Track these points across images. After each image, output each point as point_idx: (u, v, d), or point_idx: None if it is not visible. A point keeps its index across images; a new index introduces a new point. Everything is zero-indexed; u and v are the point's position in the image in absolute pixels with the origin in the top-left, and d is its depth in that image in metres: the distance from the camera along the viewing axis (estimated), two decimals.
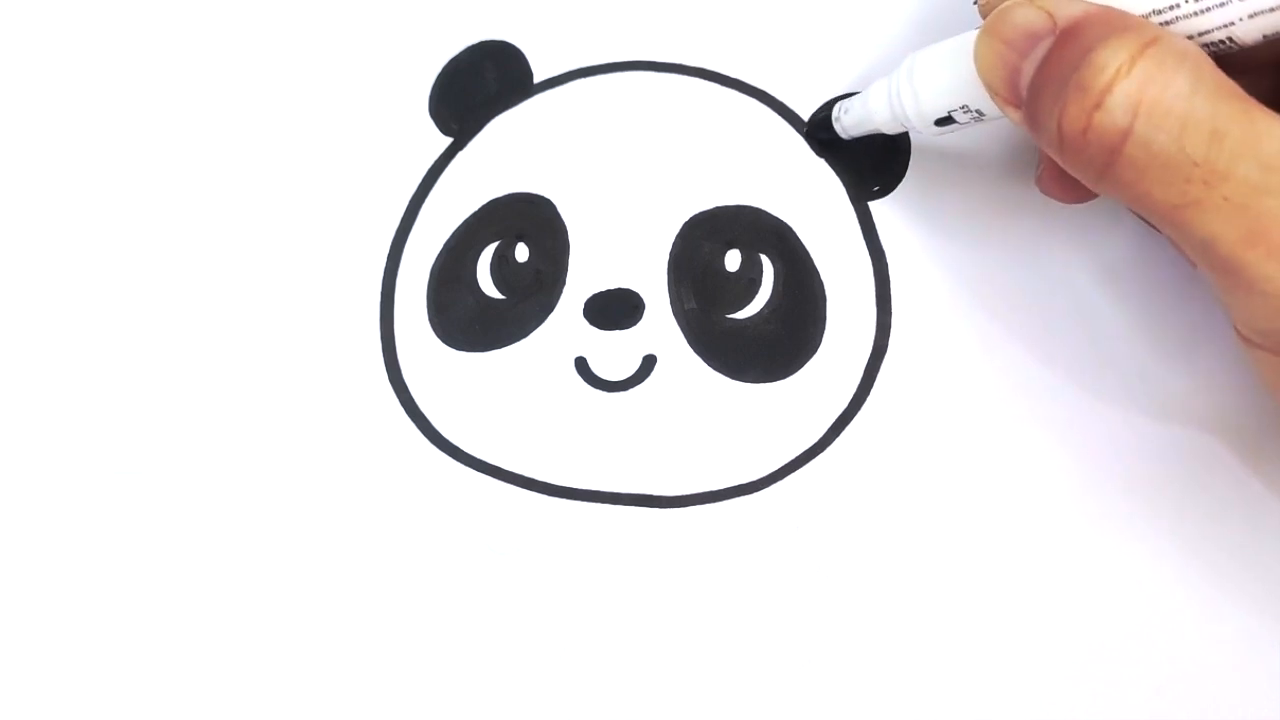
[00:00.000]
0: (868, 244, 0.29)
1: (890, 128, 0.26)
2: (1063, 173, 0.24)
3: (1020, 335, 0.28)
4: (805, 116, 0.30)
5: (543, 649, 0.28)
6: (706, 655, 0.28)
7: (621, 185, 0.30)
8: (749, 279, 0.29)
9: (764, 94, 0.30)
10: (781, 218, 0.29)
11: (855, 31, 0.30)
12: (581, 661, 0.28)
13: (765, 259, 0.29)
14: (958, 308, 0.29)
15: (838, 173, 0.29)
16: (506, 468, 0.29)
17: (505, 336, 0.29)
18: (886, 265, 0.29)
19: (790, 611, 0.28)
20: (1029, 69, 0.21)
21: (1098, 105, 0.20)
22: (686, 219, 0.29)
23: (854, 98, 0.28)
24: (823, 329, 0.29)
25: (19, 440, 0.30)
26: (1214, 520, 0.28)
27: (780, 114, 0.30)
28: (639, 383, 0.29)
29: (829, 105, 0.29)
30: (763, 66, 0.30)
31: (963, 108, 0.24)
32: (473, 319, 0.30)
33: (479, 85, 0.31)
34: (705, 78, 0.30)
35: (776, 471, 0.28)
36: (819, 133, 0.29)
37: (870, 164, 0.29)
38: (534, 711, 0.28)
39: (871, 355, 0.29)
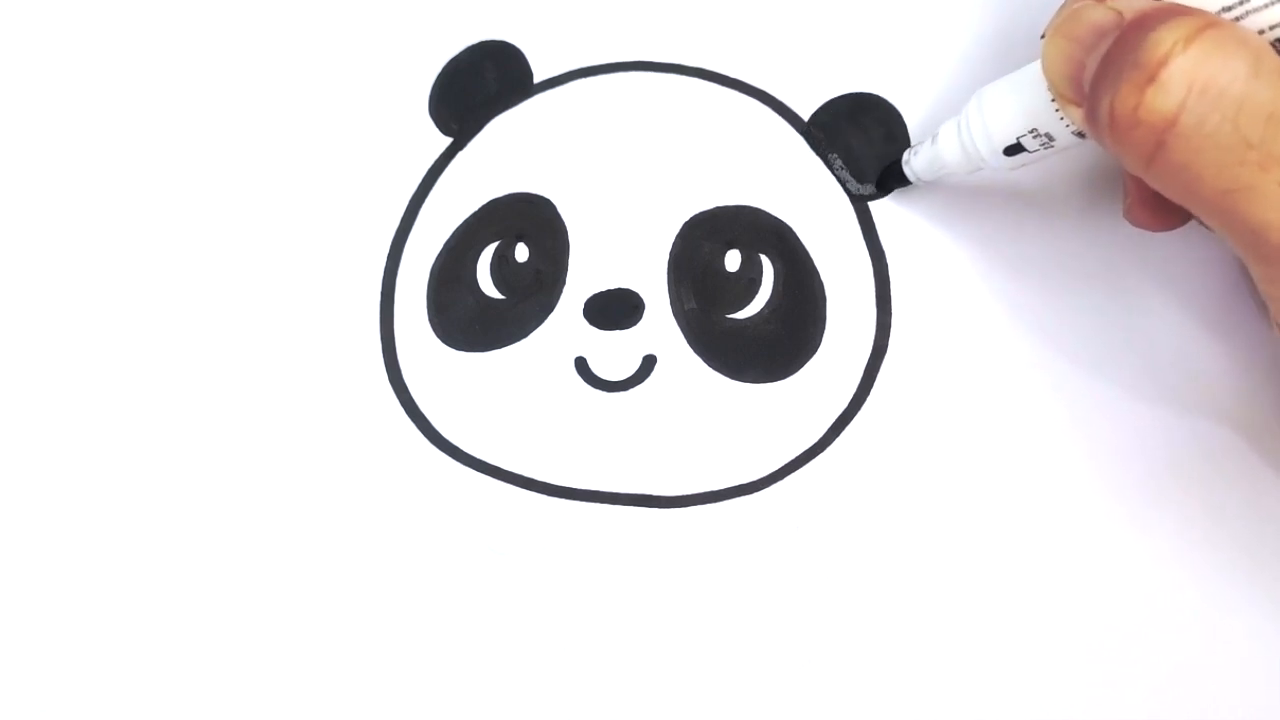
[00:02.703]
0: (868, 244, 0.29)
1: (961, 166, 0.26)
2: (1152, 198, 0.23)
3: (1020, 335, 0.28)
4: (805, 116, 0.29)
5: (543, 649, 0.27)
6: (706, 655, 0.27)
7: (621, 185, 0.29)
8: (749, 279, 0.29)
9: (764, 94, 0.29)
10: (781, 218, 0.29)
11: (855, 31, 0.29)
12: (581, 661, 0.27)
13: (765, 259, 0.29)
14: (958, 308, 0.28)
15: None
16: (506, 468, 0.28)
17: (505, 336, 0.29)
18: (886, 265, 0.28)
19: (790, 611, 0.27)
20: (1093, 63, 0.20)
21: (1151, 80, 0.19)
22: (686, 219, 0.29)
23: (922, 142, 0.27)
24: (823, 329, 0.28)
25: (19, 440, 0.29)
26: (1219, 519, 0.27)
27: (780, 114, 0.29)
28: (639, 383, 0.28)
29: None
30: (763, 66, 0.29)
31: (1032, 132, 0.24)
32: (473, 319, 0.29)
33: (479, 85, 0.30)
34: (705, 78, 0.30)
35: (776, 471, 0.28)
36: (890, 182, 0.28)
37: (871, 164, 0.29)
38: (534, 711, 0.27)
39: (871, 355, 0.28)
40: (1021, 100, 0.24)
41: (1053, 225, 0.28)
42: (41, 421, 0.29)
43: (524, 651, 0.28)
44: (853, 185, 0.29)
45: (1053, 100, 0.23)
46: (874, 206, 0.29)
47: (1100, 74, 0.20)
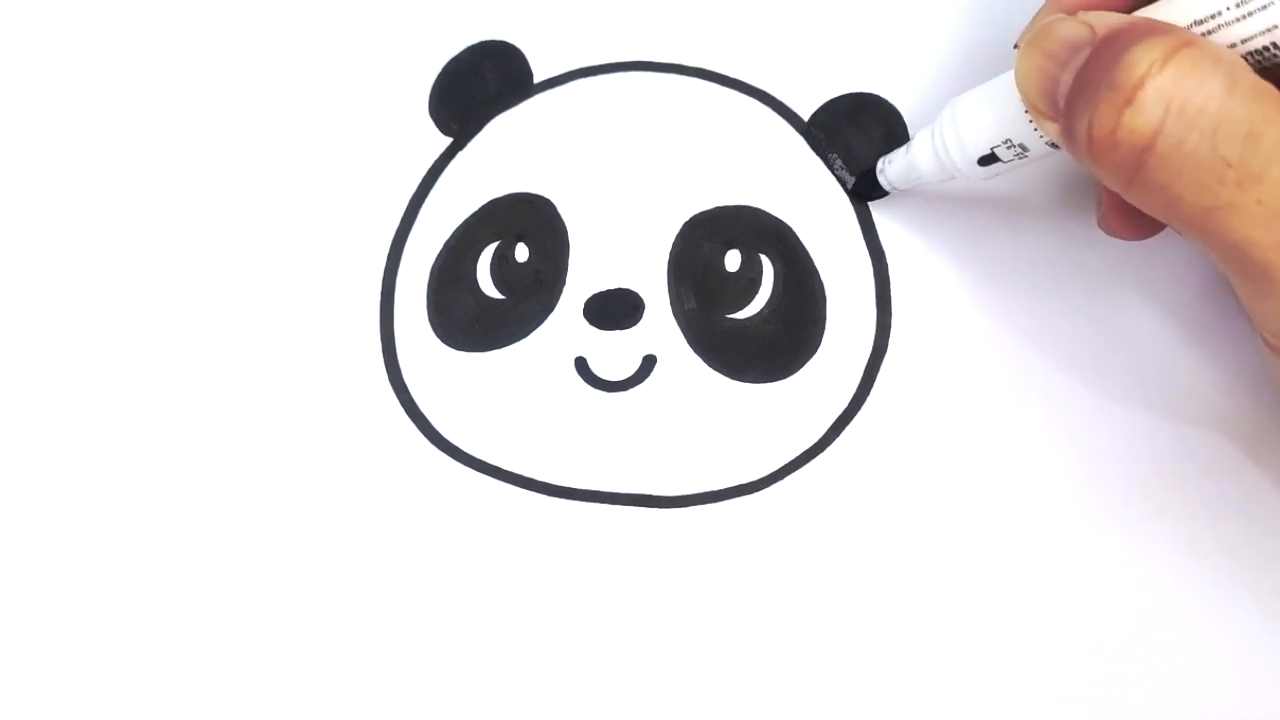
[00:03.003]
0: (868, 244, 0.29)
1: (935, 175, 0.26)
2: (1125, 208, 0.23)
3: (1020, 334, 0.28)
4: (805, 116, 0.29)
5: (543, 649, 0.27)
6: (706, 655, 0.27)
7: (621, 185, 0.29)
8: (749, 279, 0.29)
9: (764, 94, 0.29)
10: (781, 218, 0.29)
11: (855, 31, 0.29)
12: (581, 661, 0.27)
13: (765, 259, 0.29)
14: (958, 308, 0.28)
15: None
16: (506, 468, 0.28)
17: (505, 336, 0.29)
18: (886, 265, 0.28)
19: (790, 611, 0.27)
20: (1067, 79, 0.20)
21: (1129, 102, 0.19)
22: (686, 219, 0.29)
23: (897, 150, 0.27)
24: (823, 329, 0.28)
25: (19, 440, 0.29)
26: (1218, 524, 0.27)
27: (780, 114, 0.29)
28: (639, 383, 0.28)
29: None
30: (763, 66, 0.29)
31: (1005, 142, 0.24)
32: (473, 319, 0.29)
33: (479, 85, 0.30)
34: (705, 78, 0.29)
35: (776, 471, 0.28)
36: (865, 189, 0.28)
37: (871, 165, 0.29)
38: (534, 711, 0.27)
39: (871, 355, 0.28)
40: (995, 111, 0.24)
41: (1053, 227, 0.28)
42: (41, 421, 0.29)
43: (524, 651, 0.27)
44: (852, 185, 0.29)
45: (1027, 112, 0.22)
46: (874, 206, 0.29)
47: (1075, 93, 0.20)
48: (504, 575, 0.28)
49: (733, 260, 0.28)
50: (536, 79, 0.30)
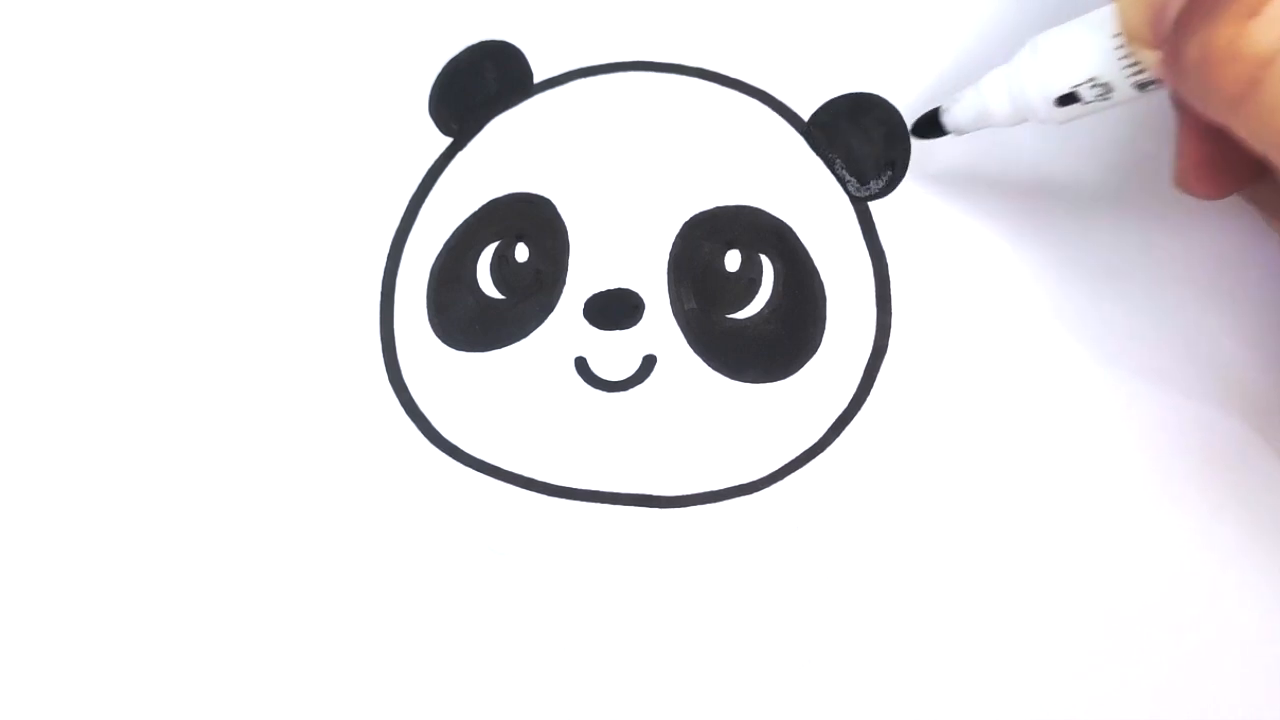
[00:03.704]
0: (868, 244, 0.28)
1: (1008, 117, 0.25)
2: (1209, 160, 0.22)
3: (1020, 335, 0.28)
4: (805, 116, 0.29)
5: (543, 649, 0.27)
6: (707, 655, 0.27)
7: (621, 185, 0.29)
8: (749, 279, 0.28)
9: (764, 94, 0.29)
10: (781, 218, 0.29)
11: (855, 31, 0.29)
12: (581, 661, 0.27)
13: (765, 259, 0.28)
14: (958, 308, 0.28)
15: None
16: (506, 468, 0.28)
17: (505, 336, 0.29)
18: (886, 265, 0.28)
19: (790, 611, 0.27)
20: (1176, 2, 0.20)
21: (1253, 14, 0.18)
22: (686, 219, 0.29)
23: (964, 89, 0.26)
24: (823, 329, 0.28)
25: (19, 440, 0.29)
26: (1222, 519, 0.27)
27: (780, 114, 0.29)
28: (639, 383, 0.28)
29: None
30: (763, 66, 0.29)
31: (1090, 81, 0.23)
32: (473, 319, 0.29)
33: (479, 85, 0.30)
34: (705, 78, 0.29)
35: (776, 471, 0.28)
36: (924, 130, 0.27)
37: (871, 164, 0.29)
38: (534, 711, 0.27)
39: (871, 355, 0.28)
40: (1082, 47, 0.23)
41: (1053, 226, 0.28)
42: (41, 421, 0.29)
43: (524, 651, 0.27)
44: (853, 186, 0.29)
45: (1118, 49, 0.22)
46: (874, 206, 0.29)
47: (1190, 9, 0.19)
48: (504, 575, 0.28)
49: (733, 260, 0.28)
50: (536, 79, 0.30)
